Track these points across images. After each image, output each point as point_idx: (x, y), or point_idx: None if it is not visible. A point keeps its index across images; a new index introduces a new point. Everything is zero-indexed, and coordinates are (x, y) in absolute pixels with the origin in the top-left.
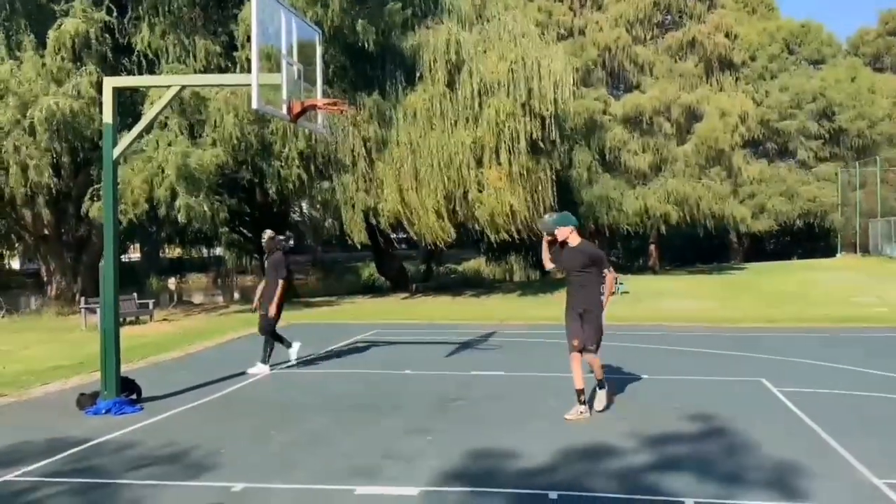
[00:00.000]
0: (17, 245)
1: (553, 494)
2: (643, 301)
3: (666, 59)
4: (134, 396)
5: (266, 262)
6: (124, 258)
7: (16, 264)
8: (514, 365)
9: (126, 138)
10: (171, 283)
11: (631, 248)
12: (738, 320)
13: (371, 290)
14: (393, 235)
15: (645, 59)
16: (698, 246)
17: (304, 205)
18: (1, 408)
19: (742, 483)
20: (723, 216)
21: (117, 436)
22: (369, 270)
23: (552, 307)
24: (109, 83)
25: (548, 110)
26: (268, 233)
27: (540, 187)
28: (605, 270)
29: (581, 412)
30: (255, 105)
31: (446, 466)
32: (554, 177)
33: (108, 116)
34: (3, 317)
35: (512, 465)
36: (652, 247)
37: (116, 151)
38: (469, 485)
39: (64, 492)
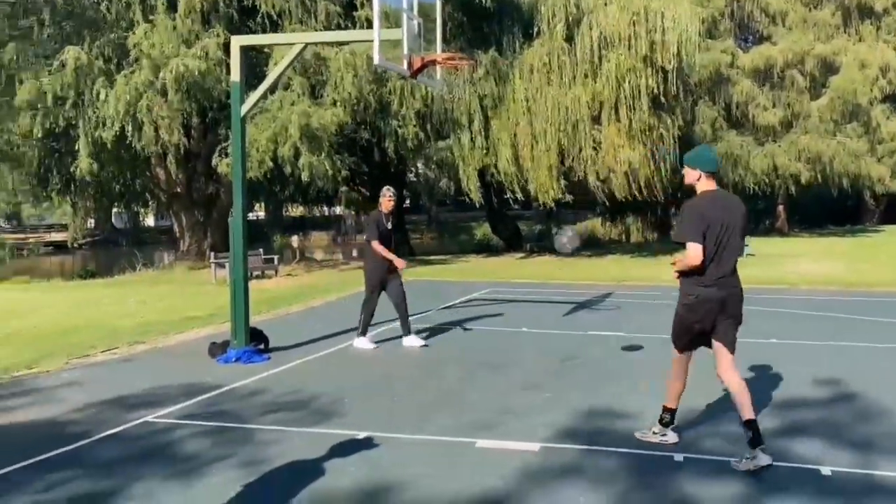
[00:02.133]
0: (151, 203)
1: (679, 457)
2: (769, 264)
3: (799, 8)
4: (261, 346)
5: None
6: (250, 216)
7: (150, 221)
8: (632, 326)
9: (253, 96)
10: (294, 240)
11: (757, 209)
12: (871, 284)
13: (485, 249)
14: (506, 195)
15: (777, 8)
16: (830, 207)
17: (420, 164)
18: (141, 354)
19: (879, 451)
20: (858, 175)
21: (247, 383)
22: (483, 230)
23: (670, 268)
24: (237, 42)
25: (671, 63)
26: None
27: (661, 145)
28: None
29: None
30: (376, 61)
31: (565, 424)
32: (676, 133)
33: (235, 75)
34: (139, 270)
35: (633, 426)
36: (780, 207)
37: (244, 109)
38: (588, 443)
39: (199, 433)
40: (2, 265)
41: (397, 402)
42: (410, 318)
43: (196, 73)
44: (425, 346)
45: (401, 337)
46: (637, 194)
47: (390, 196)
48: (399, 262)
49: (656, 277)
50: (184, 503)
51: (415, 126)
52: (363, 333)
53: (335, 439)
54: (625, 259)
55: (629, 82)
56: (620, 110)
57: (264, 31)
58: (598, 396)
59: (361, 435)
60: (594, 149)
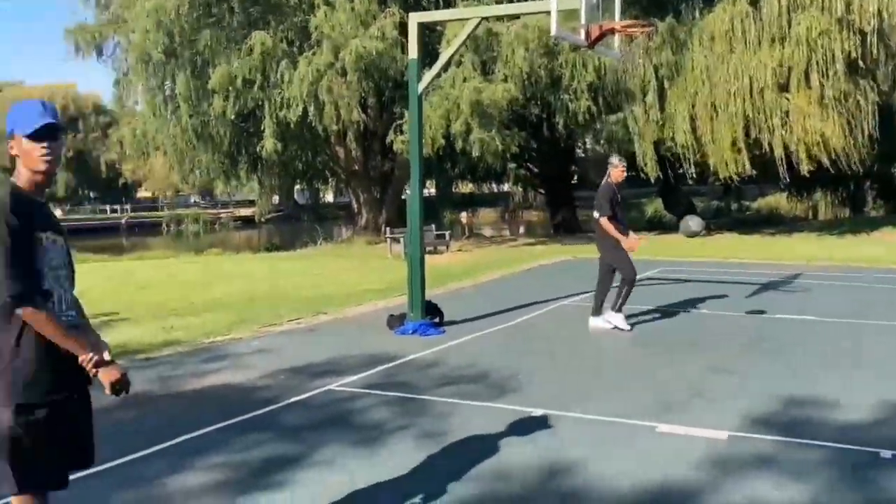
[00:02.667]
0: (331, 180)
1: (886, 454)
2: None
3: None
4: (437, 320)
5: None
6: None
7: (330, 198)
8: (825, 310)
9: (429, 73)
10: (463, 216)
11: None
12: None
13: (657, 226)
14: (681, 170)
15: None
16: None
17: (588, 140)
18: (323, 325)
19: None
20: None
21: (423, 355)
22: (654, 206)
23: (865, 247)
24: (414, 19)
25: (870, 25)
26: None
27: (858, 114)
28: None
29: None
30: (553, 32)
31: (756, 411)
32: (876, 101)
33: (413, 52)
34: (320, 244)
35: (831, 417)
36: None
37: (421, 86)
38: (782, 434)
39: (379, 403)
40: (197, 238)
41: (573, 381)
42: (580, 296)
43: (373, 52)
44: (613, 328)
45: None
46: (829, 167)
47: (623, 166)
48: (631, 243)
49: (850, 258)
50: (369, 469)
51: (587, 99)
52: (617, 309)
53: (511, 415)
54: (812, 237)
55: (822, 46)
56: (811, 77)
57: (437, 10)
58: (791, 383)
59: (538, 412)
60: (781, 119)
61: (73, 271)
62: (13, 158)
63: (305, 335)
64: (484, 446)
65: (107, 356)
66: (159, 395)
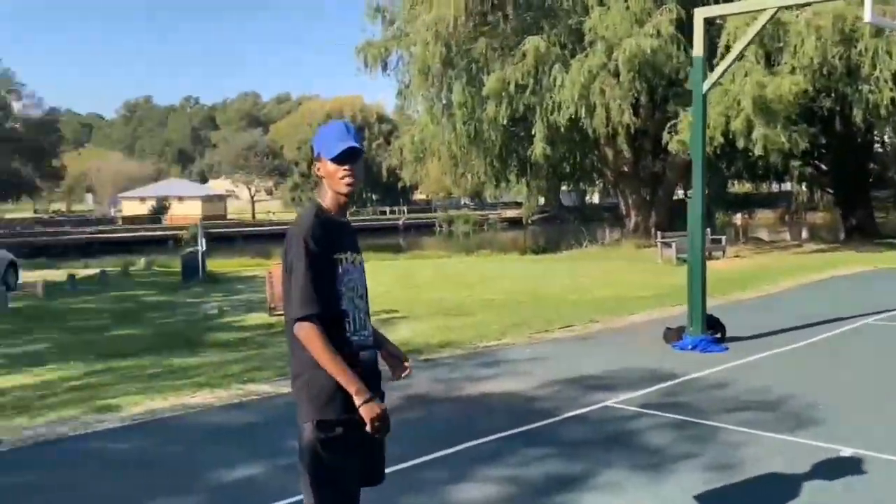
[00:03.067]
0: (597, 181)
1: None
2: None
3: None
4: (718, 335)
5: None
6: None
7: (595, 199)
8: None
9: (717, 70)
10: (738, 218)
11: None
12: None
13: None
14: None
15: None
16: None
17: (887, 133)
18: (595, 333)
19: None
20: None
21: (705, 374)
22: None
23: None
24: (700, 14)
25: None
26: None
27: None
28: None
29: None
30: (867, 18)
31: None
32: None
33: (698, 49)
34: (585, 246)
35: None
36: None
37: (706, 84)
38: None
39: (660, 424)
40: (467, 238)
41: (888, 415)
42: (889, 314)
43: (648, 51)
44: None
45: None
46: None
47: None
48: None
49: None
50: (653, 499)
51: (891, 89)
52: None
53: (814, 452)
54: None
55: None
56: None
57: (716, 3)
58: None
59: (846, 451)
60: None
61: (366, 289)
62: (320, 178)
63: (578, 344)
64: (784, 487)
65: (406, 370)
66: (439, 399)
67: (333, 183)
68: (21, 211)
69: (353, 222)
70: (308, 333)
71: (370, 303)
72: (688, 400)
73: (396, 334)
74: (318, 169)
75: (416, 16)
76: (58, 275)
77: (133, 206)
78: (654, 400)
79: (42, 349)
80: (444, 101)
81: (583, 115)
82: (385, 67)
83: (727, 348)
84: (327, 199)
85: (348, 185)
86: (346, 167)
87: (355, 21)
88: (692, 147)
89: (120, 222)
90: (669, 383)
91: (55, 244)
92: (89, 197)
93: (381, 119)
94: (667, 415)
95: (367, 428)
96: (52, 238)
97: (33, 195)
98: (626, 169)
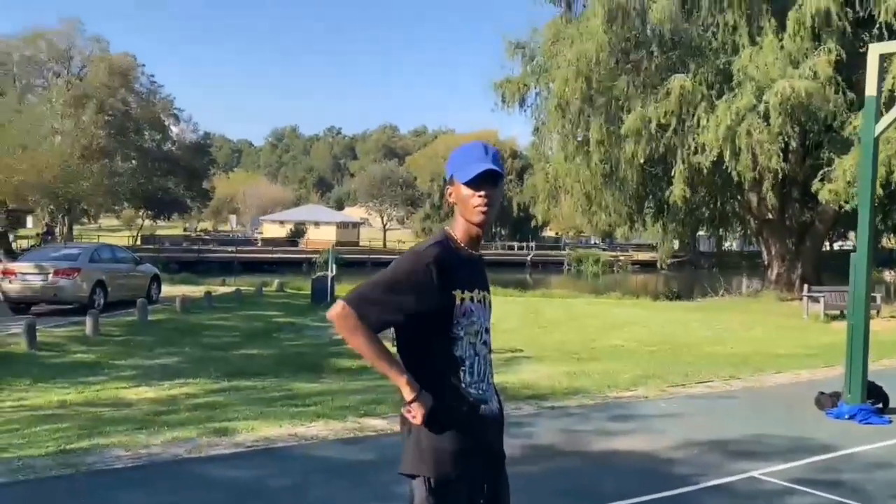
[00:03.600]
0: (738, 227)
1: None
2: None
3: None
4: (880, 405)
5: None
6: (837, 247)
7: (733, 245)
8: None
9: (892, 112)
10: (887, 275)
11: None
12: None
13: None
14: None
15: None
16: None
17: None
18: (738, 392)
19: None
20: None
21: (866, 449)
22: None
23: None
24: (876, 50)
25: None
26: None
27: None
28: None
29: None
30: None
31: None
32: None
33: (871, 87)
34: (722, 295)
35: None
36: None
37: (879, 127)
38: None
39: None
40: (596, 279)
41: None
42: None
43: (803, 94)
44: None
45: None
46: None
47: None
48: None
49: None
50: None
51: None
52: None
53: None
54: None
55: None
56: None
57: (880, 41)
58: None
59: None
60: None
61: (489, 334)
62: (452, 206)
63: (718, 403)
64: None
65: None
66: (565, 452)
67: (466, 210)
68: (172, 228)
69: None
70: (347, 317)
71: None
72: (848, 478)
73: (519, 375)
74: (451, 194)
75: (556, 52)
76: (197, 290)
77: (273, 229)
78: (808, 475)
79: (173, 363)
80: (579, 139)
81: (727, 158)
82: (522, 103)
83: (891, 421)
84: (458, 228)
85: (482, 212)
86: (482, 193)
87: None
88: (860, 195)
89: (259, 243)
90: (825, 456)
91: (198, 261)
92: (233, 218)
93: (515, 155)
94: (824, 495)
95: (414, 418)
96: (196, 255)
97: (184, 214)
98: (770, 216)
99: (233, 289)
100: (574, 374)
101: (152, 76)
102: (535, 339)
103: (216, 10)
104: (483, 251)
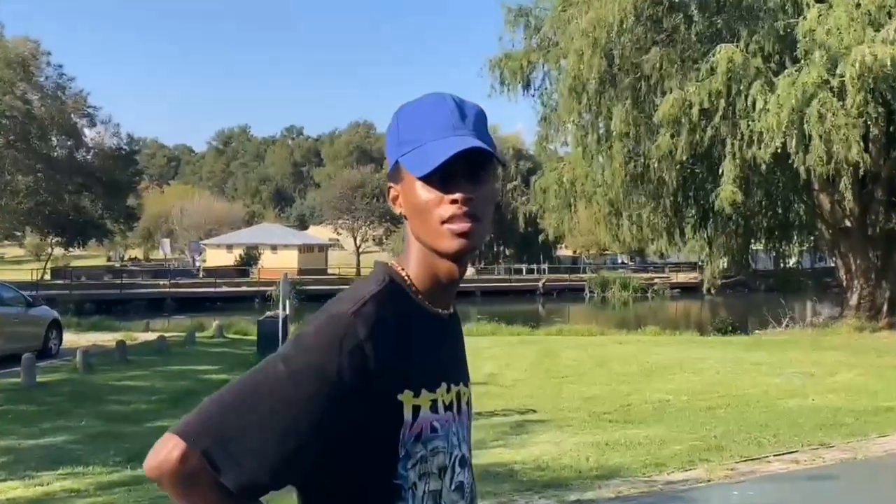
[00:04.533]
0: (803, 238)
1: None
2: None
3: None
4: None
5: None
6: None
7: (791, 261)
8: None
9: None
10: None
11: None
12: None
13: None
14: None
15: None
16: None
17: None
18: (832, 466)
19: None
20: None
21: None
22: None
23: None
24: None
25: None
26: None
27: None
28: None
29: None
30: None
31: None
32: None
33: None
34: (786, 326)
35: None
36: None
37: None
38: None
39: None
40: (625, 308)
41: None
42: None
43: (887, 63)
44: None
45: None
46: None
47: None
48: None
49: None
50: None
51: None
52: None
53: None
54: None
55: None
56: None
57: None
58: None
59: None
60: None
61: (469, 462)
62: (403, 219)
63: (810, 485)
64: None
65: None
66: None
67: (427, 230)
68: (93, 258)
69: (477, 284)
70: (185, 473)
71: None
72: None
73: (532, 450)
74: (396, 198)
75: (568, 19)
76: (112, 338)
77: (218, 255)
78: None
79: (60, 442)
80: (601, 130)
81: (792, 150)
82: (527, 86)
83: None
84: (414, 264)
85: (460, 233)
86: (456, 196)
87: (491, 29)
88: None
89: (201, 274)
90: None
91: (121, 299)
92: (165, 242)
93: (520, 154)
94: None
95: None
96: (119, 291)
97: (104, 239)
98: (849, 223)
99: (155, 336)
100: (606, 445)
101: (60, 66)
102: (552, 395)
103: None
104: (482, 278)
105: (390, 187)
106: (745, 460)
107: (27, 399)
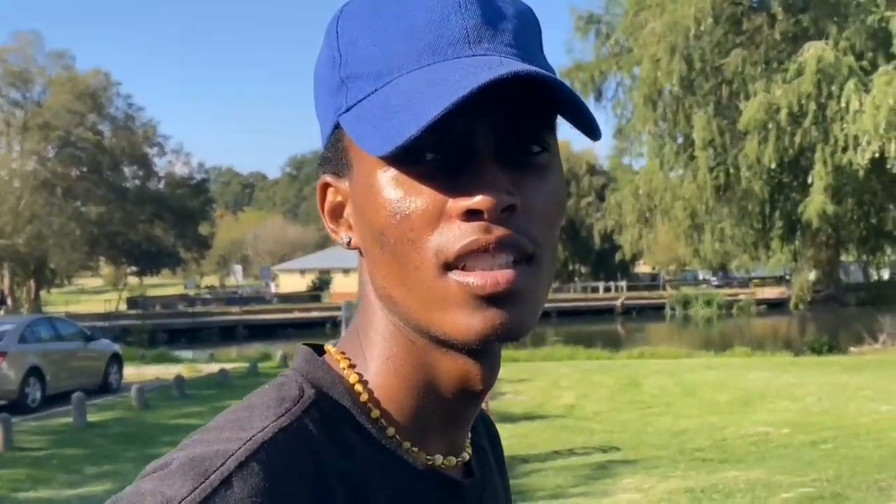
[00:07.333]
0: None
1: None
2: None
3: None
4: None
5: None
6: None
7: (886, 274)
8: None
9: None
10: None
11: None
12: None
13: None
14: None
15: None
16: None
17: None
18: None
19: None
20: None
21: None
22: None
23: None
24: None
25: None
26: None
27: None
28: None
29: None
30: None
31: None
32: None
33: None
34: (884, 343)
35: None
36: None
37: None
38: None
39: None
40: (709, 326)
41: None
42: None
43: None
44: None
45: None
46: None
47: None
48: None
49: None
50: None
51: None
52: None
53: None
54: None
55: None
56: None
57: None
58: None
59: None
60: None
61: None
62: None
63: None
64: None
65: None
66: None
67: (409, 287)
68: (170, 287)
69: (554, 303)
70: None
71: None
72: None
73: (616, 499)
74: (339, 209)
75: (641, 24)
76: (175, 371)
77: (291, 281)
78: None
79: (101, 492)
80: (679, 140)
81: (893, 154)
82: (599, 97)
83: None
84: (377, 359)
85: (493, 298)
86: (480, 200)
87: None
88: None
89: (275, 300)
90: None
91: (192, 327)
92: (238, 268)
93: (593, 170)
94: None
95: None
96: (190, 320)
97: (177, 267)
98: None
99: (216, 368)
100: (702, 493)
101: (129, 97)
102: (636, 429)
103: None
104: (554, 298)
105: (325, 184)
106: None
107: (75, 441)
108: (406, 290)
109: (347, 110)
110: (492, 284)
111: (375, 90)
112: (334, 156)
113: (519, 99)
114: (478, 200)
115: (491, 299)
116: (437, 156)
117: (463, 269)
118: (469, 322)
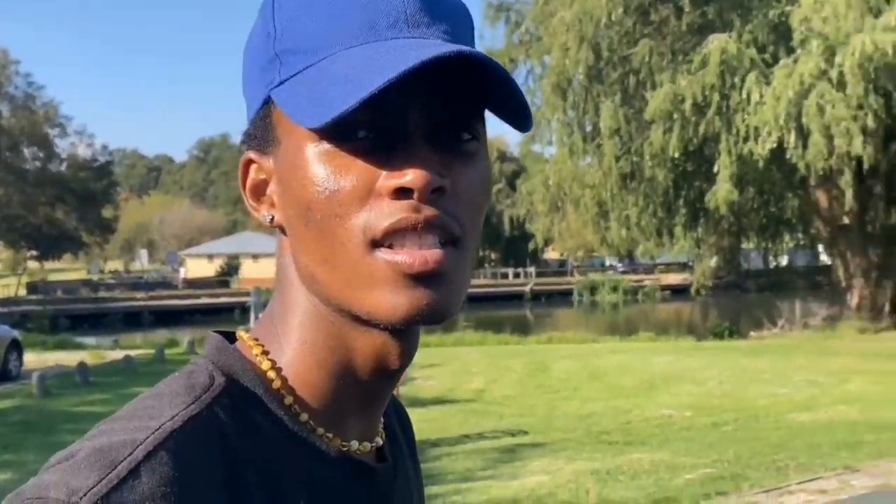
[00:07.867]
0: (798, 237)
1: None
2: None
3: None
4: None
5: None
6: None
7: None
8: None
9: None
10: None
11: None
12: None
13: None
14: None
15: None
16: None
17: None
18: (865, 497)
19: None
20: None
21: None
22: None
23: None
24: None
25: None
26: None
27: None
28: None
29: None
30: None
31: None
32: None
33: None
34: (782, 328)
35: None
36: None
37: None
38: None
39: None
40: (615, 312)
41: None
42: None
43: (889, 51)
44: None
45: None
46: None
47: None
48: None
49: None
50: None
51: None
52: None
53: None
54: None
55: None
56: None
57: None
58: None
59: None
60: None
61: None
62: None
63: None
64: None
65: None
66: None
67: (333, 265)
68: (72, 271)
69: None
70: None
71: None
72: None
73: (525, 481)
74: (261, 186)
75: (551, 13)
76: (77, 358)
77: (199, 266)
78: None
79: (2, 482)
80: (587, 128)
81: (790, 144)
82: None
83: None
84: (294, 342)
85: (421, 276)
86: (410, 176)
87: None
88: None
89: (181, 285)
90: None
91: (97, 313)
92: (143, 253)
93: (503, 157)
94: None
95: None
96: (93, 306)
97: (79, 251)
98: (847, 220)
99: (121, 355)
100: (608, 474)
101: (29, 76)
102: (545, 412)
103: None
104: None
105: (248, 160)
106: (766, 491)
107: None
108: (330, 267)
109: (280, 84)
110: (420, 263)
111: (311, 65)
112: (261, 132)
113: (455, 84)
114: (409, 179)
115: (418, 278)
116: (371, 133)
117: (390, 247)
118: (395, 301)
